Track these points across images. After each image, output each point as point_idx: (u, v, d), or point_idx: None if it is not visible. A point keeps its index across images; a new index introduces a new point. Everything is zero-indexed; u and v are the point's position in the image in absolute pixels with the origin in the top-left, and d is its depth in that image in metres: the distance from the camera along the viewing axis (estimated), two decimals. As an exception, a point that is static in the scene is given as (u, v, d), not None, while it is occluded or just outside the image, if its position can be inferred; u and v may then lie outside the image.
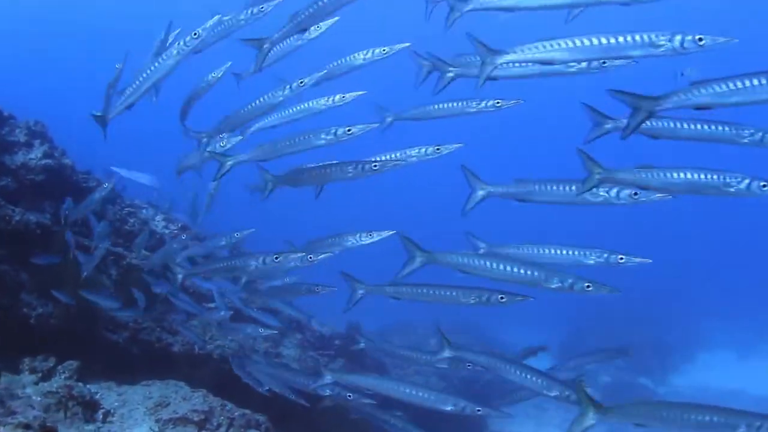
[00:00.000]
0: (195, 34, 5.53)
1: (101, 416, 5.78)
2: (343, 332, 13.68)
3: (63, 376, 6.03)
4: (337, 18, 5.65)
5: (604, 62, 5.10)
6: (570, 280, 5.41)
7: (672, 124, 4.84)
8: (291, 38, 5.87)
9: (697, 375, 19.17)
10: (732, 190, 4.71)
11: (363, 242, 6.30)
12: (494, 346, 19.66)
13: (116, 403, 6.05)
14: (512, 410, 17.64)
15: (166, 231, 9.88)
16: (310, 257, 6.10)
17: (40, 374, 6.03)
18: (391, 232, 6.13)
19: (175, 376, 7.42)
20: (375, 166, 5.93)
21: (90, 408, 5.72)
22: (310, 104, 6.04)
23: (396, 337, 18.18)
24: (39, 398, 5.40)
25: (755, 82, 4.16)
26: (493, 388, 18.02)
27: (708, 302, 22.94)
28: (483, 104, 5.88)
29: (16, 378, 5.83)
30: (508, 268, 5.50)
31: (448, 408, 6.40)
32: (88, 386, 6.06)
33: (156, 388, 6.44)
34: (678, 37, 4.42)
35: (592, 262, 5.53)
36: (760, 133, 4.77)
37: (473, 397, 16.54)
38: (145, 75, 5.65)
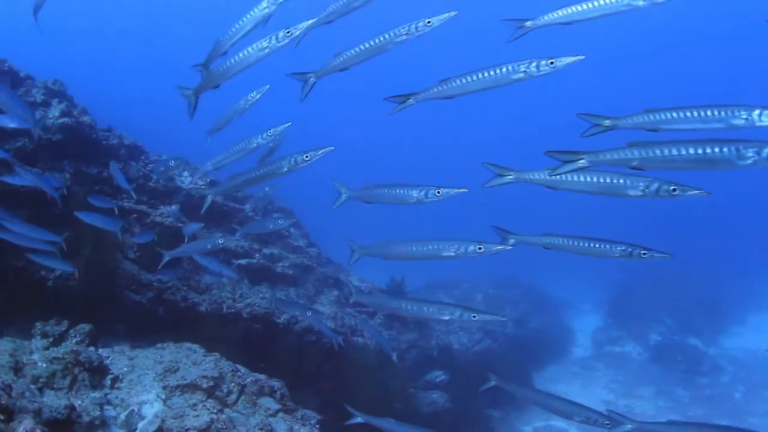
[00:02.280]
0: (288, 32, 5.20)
1: (109, 382, 5.63)
2: (384, 288, 13.43)
3: (74, 341, 5.88)
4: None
5: None
6: None
7: None
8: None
9: (748, 337, 18.29)
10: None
11: None
12: (541, 300, 19.27)
13: (125, 368, 5.88)
14: (559, 369, 17.41)
15: (193, 186, 9.69)
16: None
17: (51, 339, 5.90)
18: None
19: (200, 337, 7.29)
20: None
21: (98, 374, 5.57)
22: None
23: (441, 292, 17.94)
24: (44, 365, 5.28)
25: None
26: (541, 346, 17.70)
27: (761, 263, 21.74)
28: None
29: (25, 343, 5.74)
30: None
31: None
32: (99, 351, 5.92)
33: (168, 352, 6.23)
34: None
35: None
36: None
37: (520, 354, 16.25)
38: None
